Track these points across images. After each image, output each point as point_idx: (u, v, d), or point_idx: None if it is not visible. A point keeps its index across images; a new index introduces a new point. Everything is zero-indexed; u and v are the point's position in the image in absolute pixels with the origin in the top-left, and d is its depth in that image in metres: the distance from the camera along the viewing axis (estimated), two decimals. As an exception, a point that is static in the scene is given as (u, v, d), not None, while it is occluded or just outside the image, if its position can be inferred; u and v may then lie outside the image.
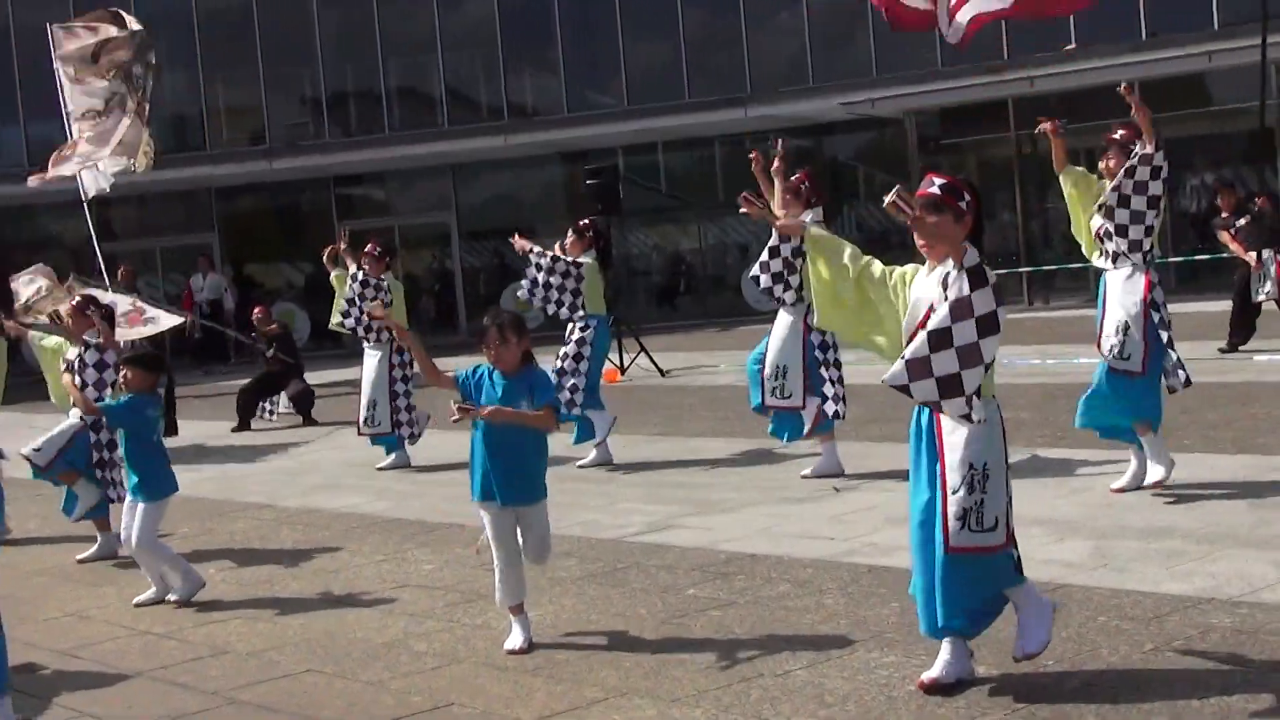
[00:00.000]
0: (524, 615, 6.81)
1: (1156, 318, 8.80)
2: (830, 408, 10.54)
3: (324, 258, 13.71)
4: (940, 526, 5.51)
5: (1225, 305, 16.82)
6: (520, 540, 6.84)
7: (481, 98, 32.81)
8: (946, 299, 5.38)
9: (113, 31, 15.36)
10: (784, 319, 10.62)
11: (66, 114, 15.70)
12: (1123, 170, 8.78)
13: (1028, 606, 5.63)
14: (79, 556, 9.97)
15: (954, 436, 5.53)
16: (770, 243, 10.39)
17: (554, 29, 31.68)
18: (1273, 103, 23.51)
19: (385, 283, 13.03)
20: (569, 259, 12.04)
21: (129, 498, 8.44)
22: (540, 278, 11.99)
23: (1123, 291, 8.88)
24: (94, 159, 15.16)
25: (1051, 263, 26.34)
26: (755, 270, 10.59)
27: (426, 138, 31.63)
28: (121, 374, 8.57)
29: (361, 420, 13.17)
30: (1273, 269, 16.23)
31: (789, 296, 10.43)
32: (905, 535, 8.13)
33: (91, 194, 15.93)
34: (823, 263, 5.97)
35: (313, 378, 18.69)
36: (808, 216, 10.29)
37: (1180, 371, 8.88)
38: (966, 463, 5.49)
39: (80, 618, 8.27)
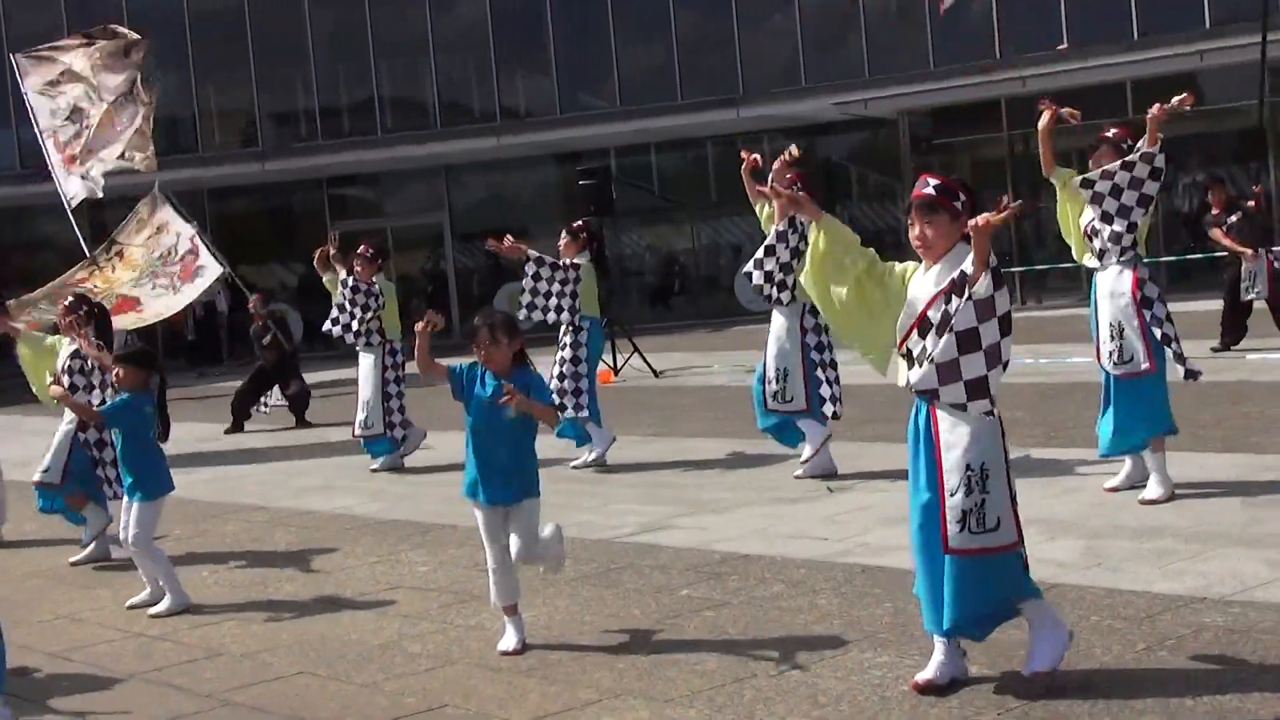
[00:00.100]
0: (518, 616, 6.81)
1: (1149, 314, 8.74)
2: (829, 409, 10.56)
3: (314, 261, 13.70)
4: (939, 527, 5.49)
5: (1217, 304, 16.85)
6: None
7: (474, 99, 32.82)
8: (961, 300, 5.33)
9: (79, 58, 15.38)
10: (779, 321, 10.61)
11: (39, 131, 15.73)
12: (1120, 162, 8.72)
13: (1043, 627, 5.54)
14: (71, 559, 9.96)
15: (951, 437, 5.50)
16: (766, 241, 10.39)
17: (546, 30, 31.70)
18: (1268, 101, 23.52)
19: (377, 286, 13.02)
20: (566, 261, 11.99)
21: (125, 498, 8.43)
22: (541, 287, 11.91)
23: (1112, 292, 8.81)
24: (104, 153, 15.13)
25: (1044, 262, 26.39)
26: (749, 266, 10.56)
27: (419, 139, 31.65)
28: (114, 373, 8.56)
29: (357, 423, 13.16)
30: (1263, 268, 16.24)
31: (784, 296, 10.42)
32: (899, 535, 8.16)
33: (81, 197, 15.91)
34: (827, 257, 5.85)
35: (306, 379, 18.66)
36: (780, 226, 10.31)
37: (1179, 367, 8.83)
38: (964, 464, 5.47)
39: (74, 620, 8.26)
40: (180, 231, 15.67)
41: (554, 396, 11.44)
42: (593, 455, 11.91)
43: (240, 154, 32.76)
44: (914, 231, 5.62)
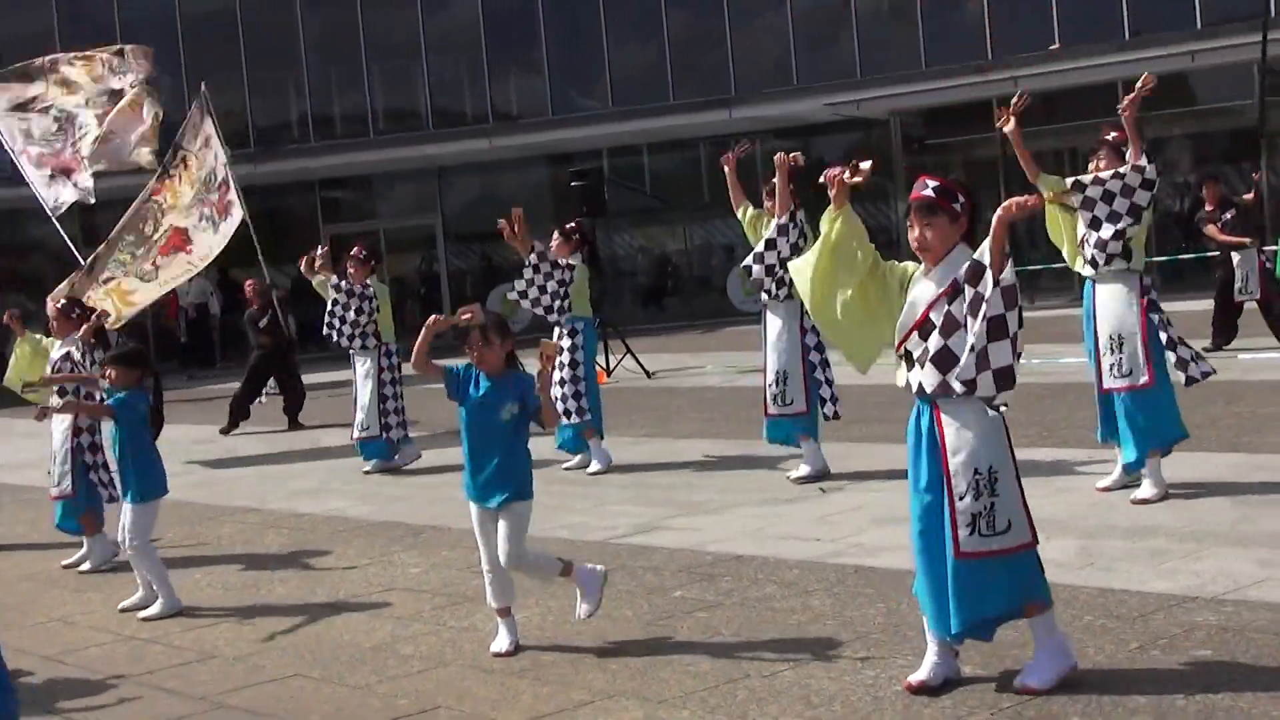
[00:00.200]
0: (511, 618, 6.80)
1: (1156, 318, 8.71)
2: (830, 409, 10.56)
3: (301, 266, 13.66)
4: (949, 532, 5.45)
5: (1208, 304, 16.87)
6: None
7: (466, 100, 32.82)
8: (990, 287, 5.26)
9: (78, 71, 15.36)
10: (775, 322, 10.59)
11: (10, 151, 15.69)
12: (1112, 171, 8.71)
13: (1048, 646, 5.50)
14: (65, 561, 9.94)
15: (957, 440, 5.47)
16: (767, 234, 10.39)
17: (538, 31, 31.70)
18: (1256, 101, 23.54)
19: (370, 289, 13.01)
20: (564, 261, 11.97)
21: (123, 500, 8.40)
22: (538, 279, 11.84)
23: (1113, 303, 8.74)
24: (132, 135, 15.09)
25: (1037, 263, 26.40)
26: (749, 260, 10.54)
27: (411, 141, 31.63)
28: (106, 373, 8.55)
29: (355, 425, 13.13)
30: (1255, 268, 16.25)
31: (781, 293, 10.40)
32: (891, 536, 8.18)
33: (70, 201, 15.86)
34: (840, 246, 5.76)
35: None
36: (781, 219, 10.31)
37: (1195, 364, 8.79)
38: (971, 467, 5.44)
39: (66, 623, 8.25)
40: (217, 153, 15.67)
41: (557, 404, 11.43)
42: (589, 469, 11.84)
43: (232, 156, 32.67)
44: (913, 234, 5.59)
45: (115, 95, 15.19)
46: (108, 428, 8.72)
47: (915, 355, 5.54)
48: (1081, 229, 8.81)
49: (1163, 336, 8.68)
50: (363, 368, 13.11)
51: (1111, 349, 8.71)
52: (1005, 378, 5.34)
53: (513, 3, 31.74)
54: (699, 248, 32.59)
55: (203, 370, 28.48)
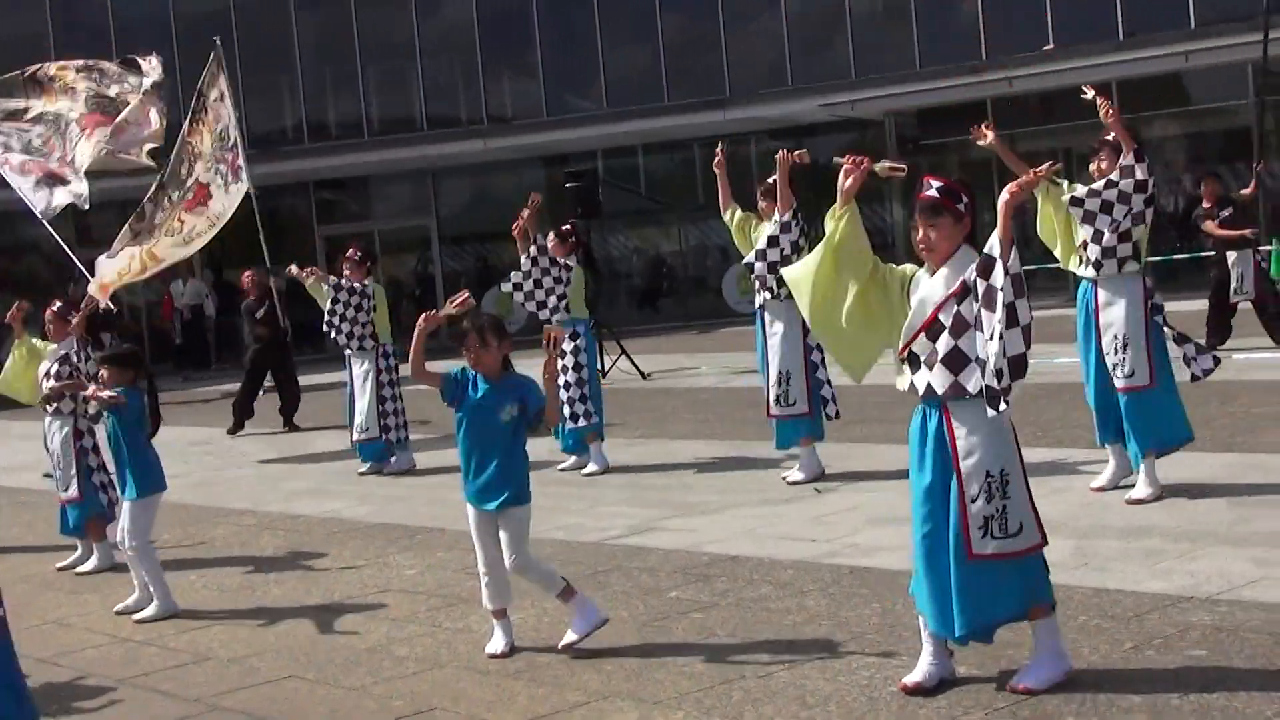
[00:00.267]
0: (506, 619, 6.80)
1: (1159, 320, 8.72)
2: (832, 409, 10.56)
3: (293, 270, 13.70)
4: (960, 535, 5.42)
5: (1202, 304, 16.86)
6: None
7: (461, 102, 32.79)
8: (1003, 275, 5.23)
9: (79, 79, 15.32)
10: (777, 323, 10.54)
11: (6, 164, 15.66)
12: (1104, 180, 8.72)
13: (1047, 652, 5.50)
14: (60, 564, 9.94)
15: (967, 443, 5.45)
16: (769, 231, 10.39)
17: (533, 33, 31.69)
18: (1253, 101, 23.57)
19: (368, 288, 13.01)
20: (563, 261, 11.95)
21: (122, 498, 8.39)
22: (535, 274, 11.79)
23: (1114, 303, 8.73)
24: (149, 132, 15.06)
25: (1030, 262, 26.39)
26: (750, 257, 10.53)
27: (406, 142, 31.61)
28: (99, 373, 8.54)
29: (355, 428, 13.11)
30: (1250, 268, 16.24)
31: (783, 292, 10.38)
32: (887, 536, 8.19)
33: (63, 205, 15.80)
34: (845, 245, 5.67)
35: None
36: (784, 217, 10.33)
37: (1203, 358, 8.81)
38: (983, 470, 5.43)
39: (61, 625, 8.25)
40: (230, 112, 15.69)
41: (564, 407, 11.43)
42: (585, 470, 11.83)
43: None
44: (917, 235, 5.56)
45: (110, 101, 15.15)
46: (103, 428, 8.71)
47: (923, 357, 5.50)
48: (1082, 236, 8.81)
49: (1168, 332, 8.71)
50: (359, 369, 13.09)
51: (1115, 350, 8.71)
52: (1019, 365, 5.28)
53: (507, 5, 31.72)
54: (694, 249, 32.57)
55: (198, 372, 28.45)
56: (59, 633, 8.06)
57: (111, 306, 13.45)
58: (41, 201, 14.73)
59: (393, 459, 13.05)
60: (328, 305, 13.00)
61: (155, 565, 8.33)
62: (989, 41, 28.09)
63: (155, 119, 14.03)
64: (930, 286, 5.52)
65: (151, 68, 14.20)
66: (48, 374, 9.98)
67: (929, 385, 5.50)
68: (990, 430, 5.45)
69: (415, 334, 6.77)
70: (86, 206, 15.58)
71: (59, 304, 10.69)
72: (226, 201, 15.11)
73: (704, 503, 10.07)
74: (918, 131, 29.64)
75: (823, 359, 10.55)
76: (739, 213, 10.94)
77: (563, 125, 30.99)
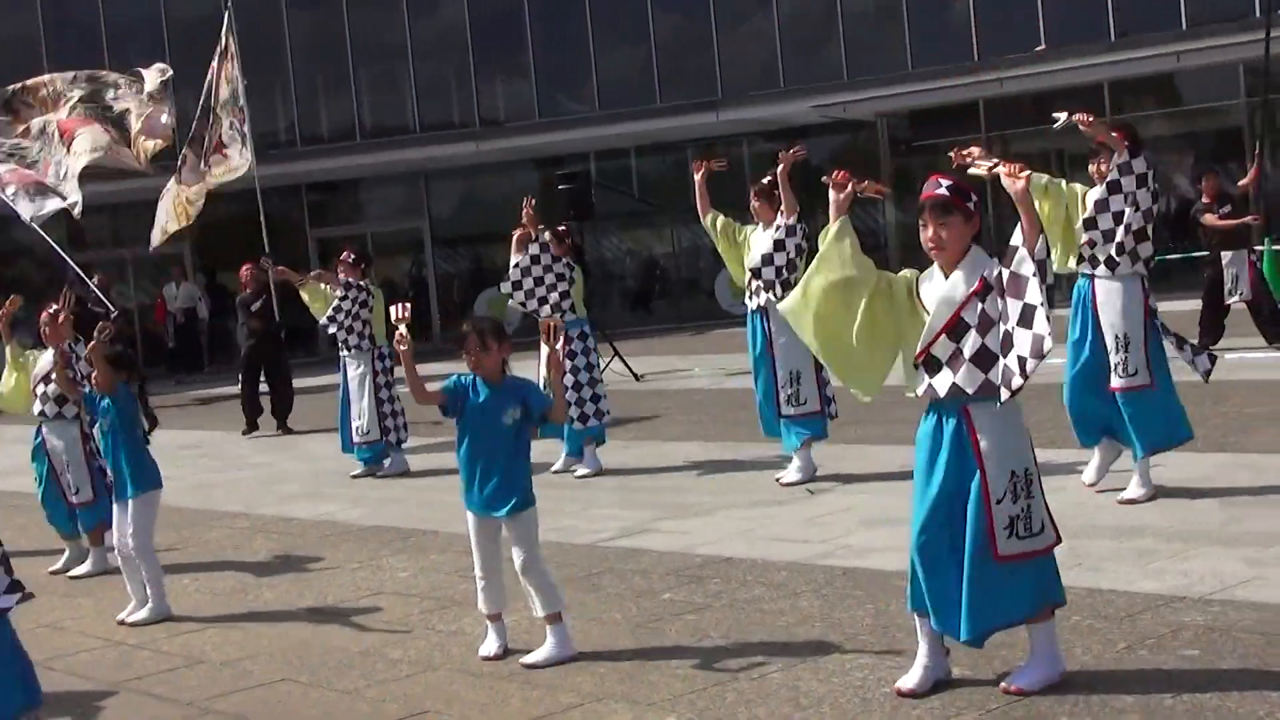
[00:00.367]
0: (500, 622, 6.79)
1: (1157, 320, 8.74)
2: (834, 409, 10.57)
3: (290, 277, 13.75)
4: (985, 536, 5.36)
5: (1195, 305, 16.87)
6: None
7: (453, 104, 32.79)
8: (1011, 274, 5.23)
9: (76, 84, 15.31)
10: (781, 324, 10.55)
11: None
12: (1105, 184, 8.73)
13: (1044, 654, 5.49)
14: (52, 568, 9.92)
15: (991, 443, 5.41)
16: (774, 236, 10.37)
17: (525, 35, 31.68)
18: (1248, 101, 23.60)
19: (371, 288, 13.04)
20: (565, 259, 11.90)
21: (118, 500, 8.36)
22: (535, 271, 11.71)
23: (1116, 302, 8.72)
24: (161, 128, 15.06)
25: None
26: (755, 262, 10.51)
27: (398, 145, 31.60)
28: (91, 373, 8.53)
29: (354, 430, 13.09)
30: (1245, 269, 16.25)
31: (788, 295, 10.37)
32: (880, 537, 8.20)
33: (54, 210, 15.76)
34: (851, 256, 5.66)
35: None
36: (780, 219, 10.34)
37: (1200, 359, 8.83)
38: (1008, 470, 5.40)
39: (54, 629, 8.24)
40: (238, 76, 16.03)
41: (573, 409, 11.41)
42: (579, 472, 11.81)
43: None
44: (926, 234, 5.47)
45: (103, 106, 15.12)
46: (97, 430, 8.69)
47: (944, 359, 5.43)
48: (1085, 237, 8.81)
49: (1170, 334, 8.72)
50: (355, 371, 13.07)
51: (1118, 348, 8.71)
52: (1038, 346, 5.21)
53: (499, 7, 31.71)
54: (686, 250, 32.58)
55: (190, 375, 28.42)
56: (53, 636, 8.05)
57: (112, 309, 13.45)
58: (29, 210, 14.69)
59: (386, 461, 13.06)
60: (335, 302, 12.99)
61: (156, 566, 8.32)
62: (981, 42, 28.12)
63: (167, 119, 14.10)
64: (948, 287, 5.44)
65: (160, 71, 14.28)
66: (46, 378, 9.94)
67: (953, 386, 5.42)
68: (1011, 430, 5.45)
69: (404, 365, 6.70)
70: (78, 213, 15.56)
71: (54, 307, 10.66)
72: (237, 161, 15.45)
73: (697, 504, 10.07)
74: (910, 133, 29.67)
75: None
76: (721, 218, 10.92)
77: (555, 127, 31.00)
